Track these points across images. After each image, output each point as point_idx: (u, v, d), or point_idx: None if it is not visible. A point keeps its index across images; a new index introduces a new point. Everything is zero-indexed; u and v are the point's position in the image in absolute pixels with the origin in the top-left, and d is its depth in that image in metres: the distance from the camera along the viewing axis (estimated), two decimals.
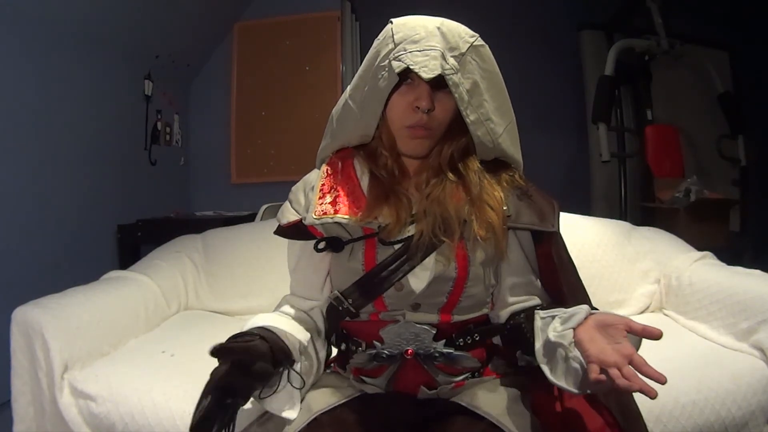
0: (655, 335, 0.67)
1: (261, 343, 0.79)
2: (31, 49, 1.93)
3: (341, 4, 3.15)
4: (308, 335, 0.90)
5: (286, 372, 0.82)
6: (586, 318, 0.74)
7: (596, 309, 0.78)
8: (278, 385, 0.81)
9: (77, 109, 2.19)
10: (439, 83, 0.81)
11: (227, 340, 0.78)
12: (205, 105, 3.23)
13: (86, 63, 2.23)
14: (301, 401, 0.86)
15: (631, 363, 0.65)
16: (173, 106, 3.02)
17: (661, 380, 0.64)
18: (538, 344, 0.78)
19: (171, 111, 3.00)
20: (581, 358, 0.71)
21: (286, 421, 0.83)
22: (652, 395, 0.63)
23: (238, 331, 0.83)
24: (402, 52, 0.80)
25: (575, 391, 0.73)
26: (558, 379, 0.75)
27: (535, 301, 0.91)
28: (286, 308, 0.95)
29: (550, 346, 0.76)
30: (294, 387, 0.83)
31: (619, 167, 3.17)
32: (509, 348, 0.92)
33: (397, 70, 0.80)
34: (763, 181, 3.21)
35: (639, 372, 0.65)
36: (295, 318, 0.93)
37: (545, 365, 0.77)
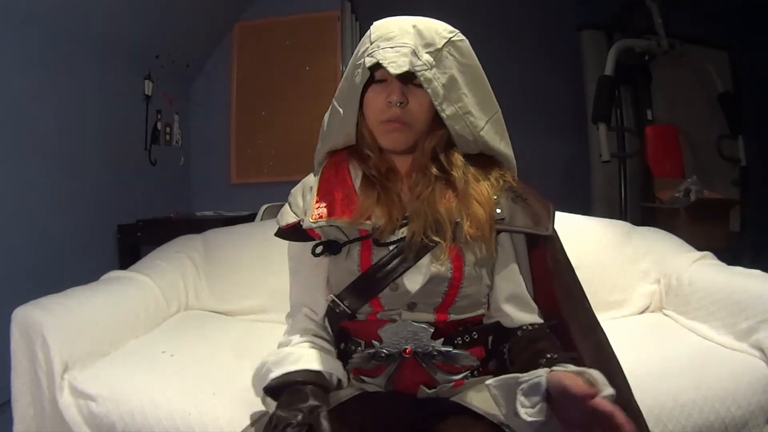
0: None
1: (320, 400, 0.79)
2: (31, 49, 1.93)
3: (341, 4, 3.15)
4: (344, 371, 0.90)
5: None
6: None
7: (557, 357, 0.76)
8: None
9: (77, 109, 2.19)
10: (413, 79, 0.83)
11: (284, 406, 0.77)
12: (205, 105, 3.23)
13: (86, 63, 2.23)
14: None
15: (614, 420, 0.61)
16: (173, 106, 3.02)
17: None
18: (505, 413, 0.76)
19: (171, 111, 3.00)
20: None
21: None
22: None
23: (284, 370, 0.83)
24: (375, 50, 0.83)
25: None
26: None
27: (513, 323, 0.89)
28: (311, 327, 0.94)
29: (523, 422, 0.71)
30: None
31: (619, 167, 3.17)
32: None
33: (367, 65, 0.82)
34: (763, 181, 3.21)
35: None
36: (321, 337, 0.93)
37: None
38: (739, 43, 3.36)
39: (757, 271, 1.40)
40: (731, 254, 1.79)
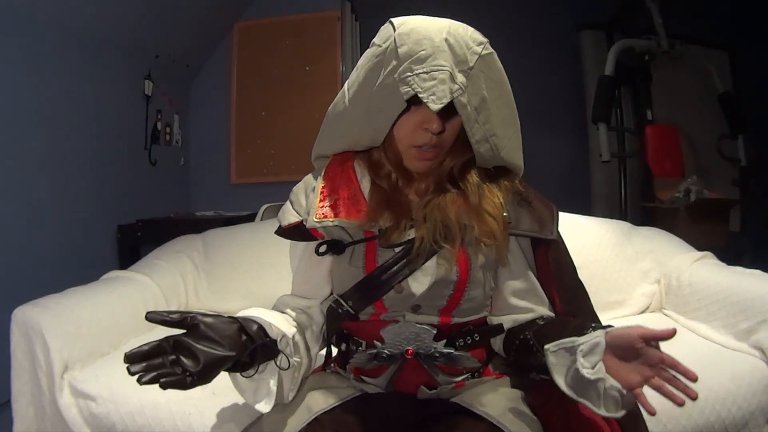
0: (667, 336, 0.66)
1: (227, 325, 0.78)
2: (31, 49, 1.93)
3: (341, 4, 3.15)
4: (294, 329, 0.88)
5: (267, 361, 0.83)
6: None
7: (601, 326, 0.77)
8: (256, 369, 0.82)
9: (77, 109, 2.19)
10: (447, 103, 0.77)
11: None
12: (205, 105, 3.23)
13: (86, 63, 2.23)
14: (291, 399, 0.87)
15: (663, 363, 0.66)
16: (173, 106, 3.01)
17: (692, 377, 0.65)
18: (562, 381, 0.75)
19: (171, 111, 3.00)
20: (618, 386, 0.70)
21: (285, 422, 0.83)
22: (679, 402, 0.65)
23: None
24: (408, 74, 0.77)
25: (618, 415, 0.72)
26: (600, 410, 0.72)
27: (535, 313, 0.90)
28: (279, 306, 0.95)
29: (586, 382, 0.72)
30: (281, 368, 0.83)
31: (619, 167, 3.17)
32: (517, 362, 0.90)
33: (405, 98, 0.77)
34: (763, 181, 3.21)
35: (674, 370, 0.66)
36: (288, 313, 0.92)
37: (585, 399, 0.73)
38: (739, 43, 3.36)
39: (757, 271, 1.40)
40: (731, 254, 1.79)
